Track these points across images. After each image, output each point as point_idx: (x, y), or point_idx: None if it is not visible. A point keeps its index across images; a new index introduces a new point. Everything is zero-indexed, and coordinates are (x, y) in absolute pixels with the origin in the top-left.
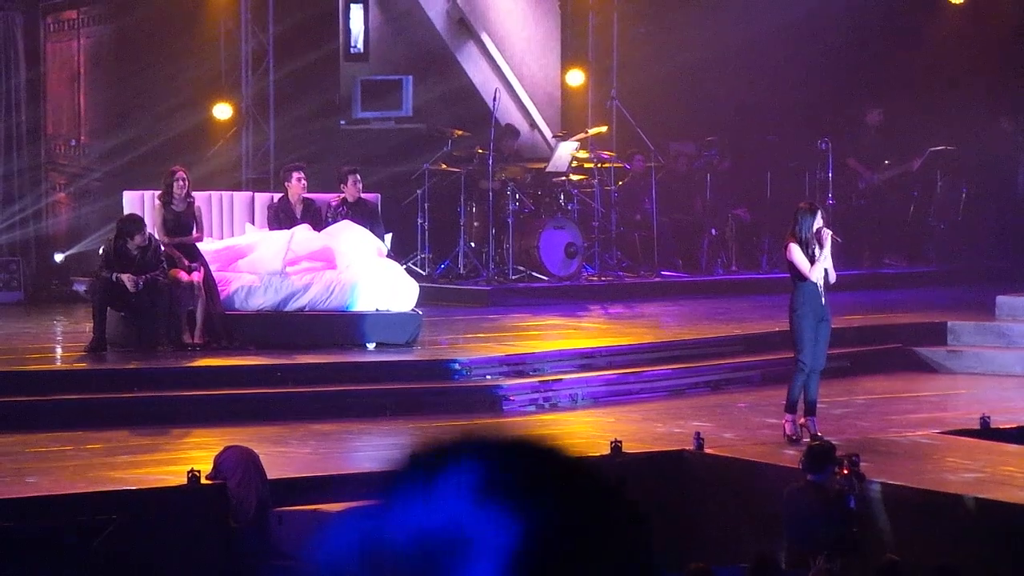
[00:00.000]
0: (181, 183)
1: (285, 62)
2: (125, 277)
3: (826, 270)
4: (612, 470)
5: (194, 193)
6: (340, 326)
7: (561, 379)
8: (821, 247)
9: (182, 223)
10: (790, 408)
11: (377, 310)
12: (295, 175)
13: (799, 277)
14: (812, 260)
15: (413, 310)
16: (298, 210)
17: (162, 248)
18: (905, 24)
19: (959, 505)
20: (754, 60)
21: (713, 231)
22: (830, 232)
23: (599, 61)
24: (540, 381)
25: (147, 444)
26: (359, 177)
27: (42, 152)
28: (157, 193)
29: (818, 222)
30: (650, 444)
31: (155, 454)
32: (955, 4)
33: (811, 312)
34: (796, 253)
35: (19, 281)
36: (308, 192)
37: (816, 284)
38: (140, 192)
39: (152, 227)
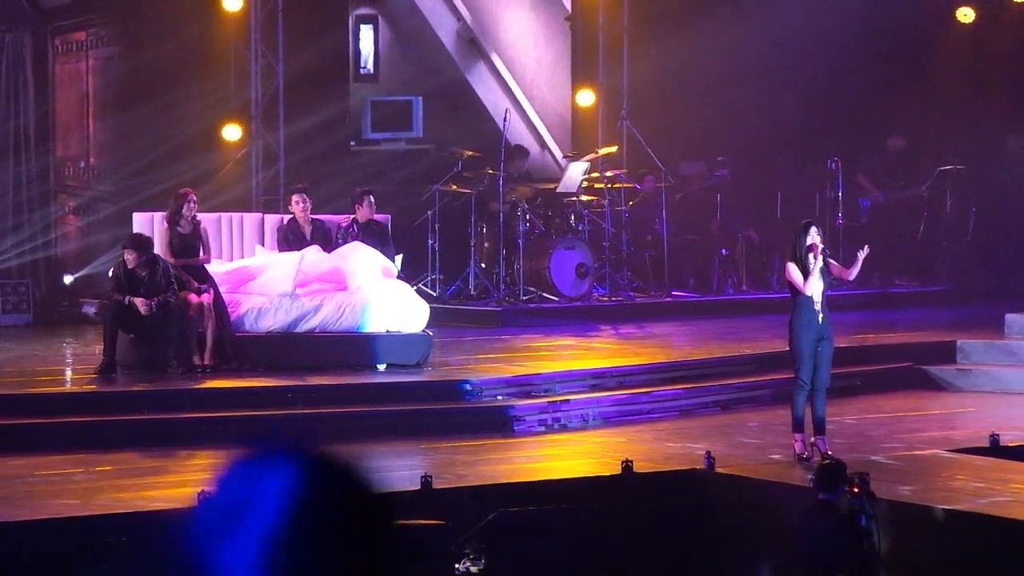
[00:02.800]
0: (192, 205)
1: (295, 83)
2: (138, 301)
3: (834, 280)
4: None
5: (205, 214)
6: (351, 347)
7: (572, 399)
8: (814, 261)
9: (188, 244)
10: (797, 427)
11: (388, 331)
12: (293, 198)
13: (797, 293)
14: (806, 276)
15: (424, 331)
16: (308, 231)
17: (171, 270)
18: (914, 43)
19: (968, 523)
20: (764, 80)
21: (724, 251)
22: (820, 246)
23: (609, 81)
24: (551, 401)
25: (157, 466)
26: (373, 199)
27: (51, 174)
28: (163, 215)
29: (811, 238)
30: (661, 464)
31: (165, 476)
32: (964, 24)
33: (808, 329)
34: (792, 271)
35: (28, 303)
36: (319, 213)
37: (813, 301)
38: (150, 213)
39: (158, 249)
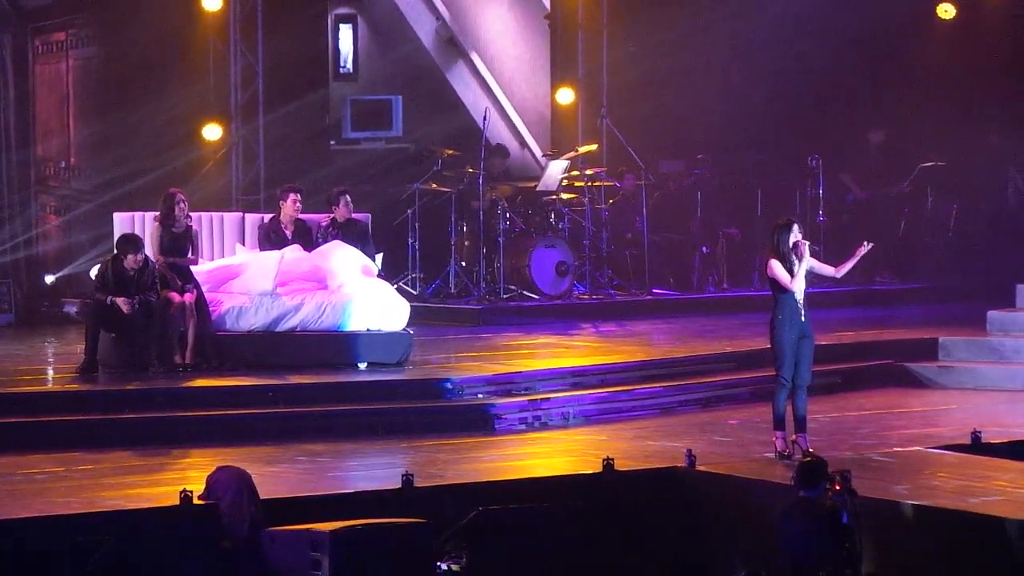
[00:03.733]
0: (183, 205)
1: (275, 83)
2: (120, 301)
3: (817, 275)
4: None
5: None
6: (331, 346)
7: (552, 397)
8: (800, 259)
9: (179, 245)
10: (778, 424)
11: (368, 330)
12: (291, 196)
13: (780, 291)
14: (792, 274)
15: (404, 330)
16: (289, 231)
17: (156, 269)
18: (895, 41)
19: (951, 520)
20: (744, 78)
21: (704, 249)
22: (807, 243)
23: (589, 80)
24: (531, 400)
25: (139, 465)
26: (349, 198)
27: (32, 174)
28: (154, 215)
29: (795, 235)
30: (642, 462)
31: (147, 475)
32: (945, 20)
33: (791, 326)
34: (777, 268)
35: (9, 303)
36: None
37: (796, 299)
38: (131, 213)
39: (147, 247)
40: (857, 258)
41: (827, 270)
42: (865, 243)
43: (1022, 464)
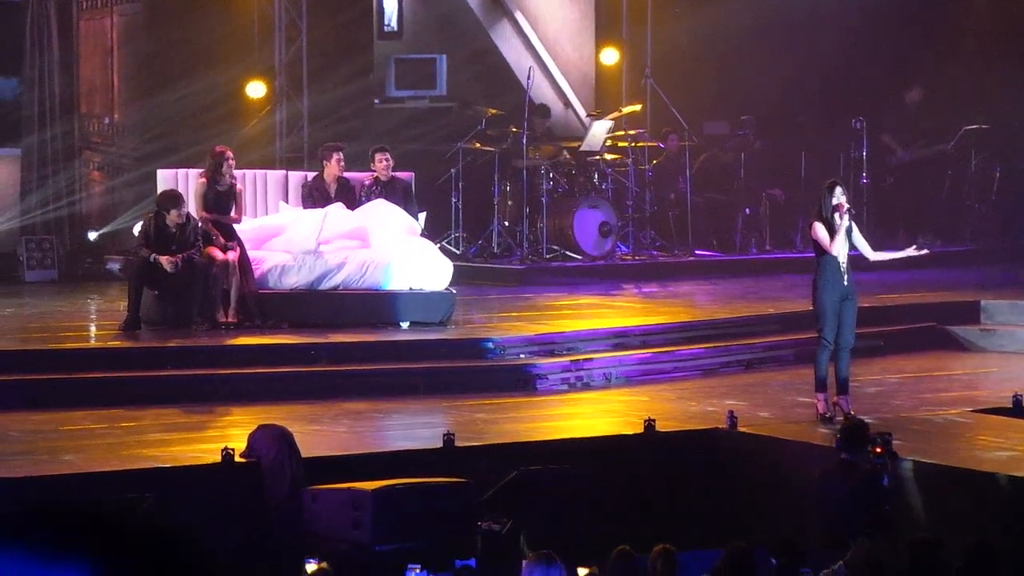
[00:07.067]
0: (231, 163)
1: (319, 40)
2: (163, 259)
3: (855, 245)
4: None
5: None
6: (374, 305)
7: (594, 358)
8: (840, 220)
9: (222, 203)
10: (820, 386)
11: (411, 289)
12: (335, 156)
13: (822, 253)
14: (832, 236)
15: (447, 289)
16: (332, 189)
17: (199, 226)
18: (941, 1)
19: (991, 483)
20: (789, 39)
21: (747, 210)
22: (847, 206)
23: (634, 40)
24: (573, 360)
25: (181, 422)
26: (387, 155)
27: (76, 130)
28: (199, 171)
29: (837, 198)
30: (684, 423)
31: (189, 432)
32: None
33: (832, 288)
34: (819, 230)
35: (53, 259)
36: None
37: (838, 261)
38: (174, 170)
39: (191, 203)
40: (900, 255)
41: (865, 249)
42: (916, 247)
43: None
